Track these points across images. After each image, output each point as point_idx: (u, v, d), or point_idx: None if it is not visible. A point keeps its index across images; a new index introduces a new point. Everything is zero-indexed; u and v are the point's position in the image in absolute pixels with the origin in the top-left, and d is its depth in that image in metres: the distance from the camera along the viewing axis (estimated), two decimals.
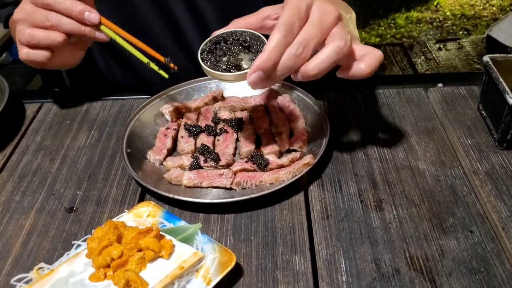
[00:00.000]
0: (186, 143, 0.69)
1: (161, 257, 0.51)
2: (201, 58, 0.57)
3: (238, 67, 0.55)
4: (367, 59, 0.54)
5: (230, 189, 0.62)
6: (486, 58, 0.69)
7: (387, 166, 0.65)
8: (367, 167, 0.65)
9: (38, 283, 0.49)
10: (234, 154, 0.68)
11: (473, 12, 3.10)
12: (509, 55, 0.70)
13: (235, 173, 0.63)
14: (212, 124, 0.72)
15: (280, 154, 0.67)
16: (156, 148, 0.69)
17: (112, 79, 1.00)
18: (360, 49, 0.55)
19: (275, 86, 0.78)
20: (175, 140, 0.71)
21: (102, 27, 0.71)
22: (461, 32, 2.91)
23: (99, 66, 1.00)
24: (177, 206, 0.61)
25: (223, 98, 0.78)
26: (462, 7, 3.16)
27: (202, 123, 0.73)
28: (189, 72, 0.96)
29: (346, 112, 0.76)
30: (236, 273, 0.52)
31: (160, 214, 0.57)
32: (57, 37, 0.69)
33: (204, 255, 0.51)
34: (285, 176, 0.61)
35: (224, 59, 0.56)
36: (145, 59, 0.72)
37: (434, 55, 2.47)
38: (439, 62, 2.40)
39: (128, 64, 0.92)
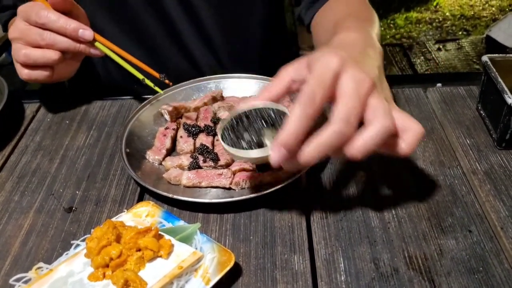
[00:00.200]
0: (185, 143, 0.69)
1: (160, 256, 0.51)
2: (221, 136, 0.52)
3: (260, 145, 0.50)
4: (408, 138, 0.49)
5: (229, 189, 0.62)
6: (485, 58, 0.69)
7: (386, 165, 0.65)
8: (365, 166, 0.65)
9: (37, 282, 0.49)
10: None
11: (472, 13, 3.10)
12: (508, 55, 0.70)
13: (234, 173, 0.63)
14: (211, 124, 0.72)
15: None
16: (155, 148, 0.69)
17: (110, 82, 1.01)
18: (400, 120, 0.49)
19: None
20: (174, 140, 0.71)
21: (97, 44, 0.72)
22: (460, 33, 2.92)
23: (98, 70, 1.00)
24: (176, 206, 0.61)
25: (222, 98, 0.78)
26: (462, 8, 3.16)
27: (201, 123, 0.73)
28: (187, 72, 0.96)
29: None
30: (235, 272, 0.52)
31: (159, 213, 0.57)
32: (52, 55, 0.70)
33: (203, 255, 0.51)
34: (284, 176, 0.61)
35: (245, 135, 0.51)
36: (140, 75, 0.73)
37: (433, 55, 2.47)
38: (439, 63, 2.40)
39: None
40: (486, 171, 0.63)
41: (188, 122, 0.73)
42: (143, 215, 0.57)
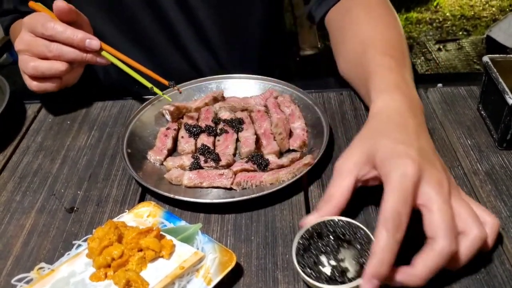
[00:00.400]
0: (187, 143, 0.69)
1: (162, 257, 0.51)
2: (298, 262, 0.48)
3: (343, 272, 0.47)
4: (489, 235, 0.48)
5: (231, 189, 0.62)
6: (485, 58, 0.69)
7: None
8: None
9: (39, 283, 0.49)
10: (234, 154, 0.68)
11: (472, 13, 3.10)
12: (508, 55, 0.70)
13: (235, 173, 0.63)
14: (213, 124, 0.73)
15: (280, 154, 0.67)
16: (157, 148, 0.69)
17: (111, 83, 1.01)
18: (478, 212, 0.48)
19: (276, 87, 0.78)
20: (175, 140, 0.71)
21: (103, 53, 0.72)
22: (460, 33, 2.92)
23: (98, 71, 1.01)
24: (178, 206, 0.61)
25: (223, 98, 0.78)
26: (462, 8, 3.16)
27: (202, 123, 0.73)
28: (186, 73, 0.96)
29: (346, 112, 0.76)
30: (236, 273, 0.52)
31: (160, 214, 0.57)
32: (60, 66, 0.70)
33: (204, 255, 0.51)
34: (285, 176, 0.61)
35: (323, 259, 0.48)
36: (148, 84, 0.72)
37: (434, 55, 2.47)
38: (439, 63, 2.40)
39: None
40: (487, 172, 0.63)
41: (189, 122, 0.73)
42: (144, 215, 0.57)
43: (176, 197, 0.59)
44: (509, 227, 0.55)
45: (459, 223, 0.46)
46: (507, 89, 0.63)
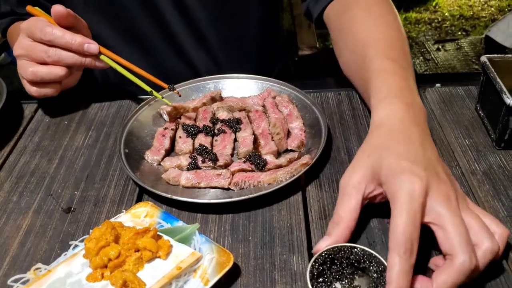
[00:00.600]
0: (184, 143, 0.69)
1: (159, 257, 0.51)
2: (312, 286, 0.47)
3: None
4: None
5: (228, 189, 0.62)
6: (483, 58, 0.69)
7: None
8: None
9: (35, 283, 0.48)
10: (232, 154, 0.68)
11: (471, 13, 3.11)
12: (507, 55, 0.70)
13: (233, 173, 0.63)
14: (210, 125, 0.72)
15: (278, 155, 0.67)
16: (154, 149, 0.69)
17: (107, 84, 1.01)
18: (486, 222, 0.48)
19: (275, 87, 0.78)
20: (173, 141, 0.71)
21: (102, 56, 0.72)
22: (459, 33, 2.92)
23: (95, 72, 1.00)
24: (175, 207, 0.61)
25: (221, 99, 0.78)
26: (461, 8, 3.17)
27: (200, 123, 0.73)
28: (183, 73, 0.96)
29: (344, 112, 0.76)
30: (233, 273, 0.52)
31: (157, 214, 0.57)
32: (59, 71, 0.70)
33: (201, 255, 0.51)
34: (283, 177, 0.61)
35: (338, 287, 0.47)
36: (147, 88, 0.72)
37: (432, 55, 2.47)
38: (438, 63, 2.41)
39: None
40: (485, 171, 0.63)
41: (187, 122, 0.73)
42: (141, 215, 0.57)
43: (174, 197, 0.59)
44: (507, 227, 0.55)
45: (471, 236, 0.46)
46: (505, 89, 0.63)
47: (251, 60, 1.00)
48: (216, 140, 0.70)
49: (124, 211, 0.59)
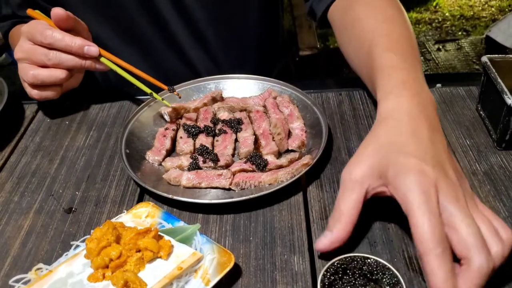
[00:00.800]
0: (185, 144, 0.69)
1: (160, 257, 0.51)
2: None
3: None
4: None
5: (229, 189, 0.62)
6: (484, 58, 0.69)
7: None
8: None
9: (37, 283, 0.49)
10: (233, 155, 0.68)
11: (472, 13, 3.11)
12: (507, 55, 0.70)
13: (234, 174, 0.63)
14: (211, 125, 0.72)
15: (279, 155, 0.67)
16: (155, 149, 0.69)
17: (108, 85, 1.01)
18: (495, 225, 0.47)
19: (275, 87, 0.78)
20: (174, 141, 0.71)
21: (102, 59, 0.72)
22: (460, 33, 2.92)
23: (95, 73, 1.00)
24: (176, 207, 0.61)
25: (222, 99, 0.78)
26: (461, 8, 3.16)
27: (201, 124, 0.73)
28: (183, 74, 0.96)
29: (345, 112, 0.76)
30: (234, 273, 0.52)
31: (158, 214, 0.57)
32: (59, 74, 0.70)
33: (202, 256, 0.51)
34: (284, 177, 0.61)
35: None
36: (147, 89, 0.73)
37: (433, 55, 2.47)
38: (438, 63, 2.41)
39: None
40: (486, 172, 0.63)
41: (188, 122, 0.73)
42: (142, 216, 0.57)
43: (175, 197, 0.59)
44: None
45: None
46: (506, 89, 0.63)
47: (250, 60, 1.00)
48: (217, 141, 0.70)
49: (125, 211, 0.59)
